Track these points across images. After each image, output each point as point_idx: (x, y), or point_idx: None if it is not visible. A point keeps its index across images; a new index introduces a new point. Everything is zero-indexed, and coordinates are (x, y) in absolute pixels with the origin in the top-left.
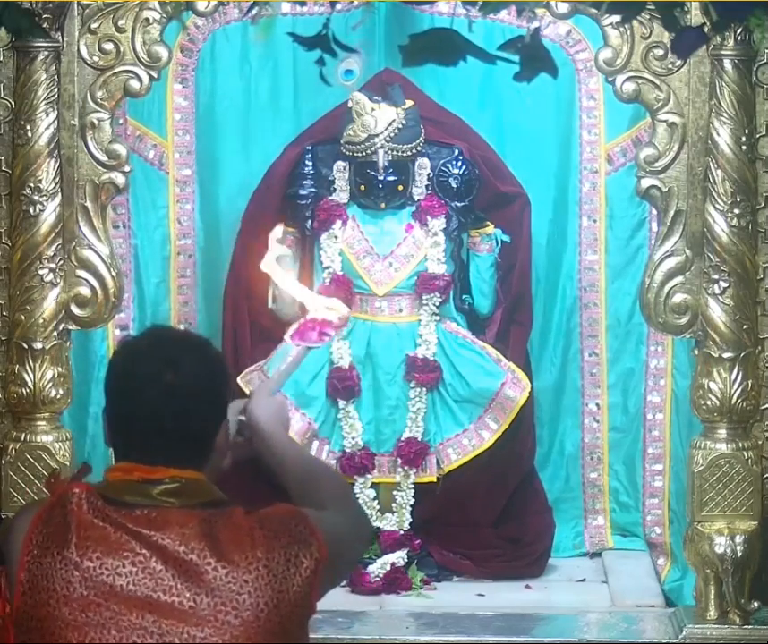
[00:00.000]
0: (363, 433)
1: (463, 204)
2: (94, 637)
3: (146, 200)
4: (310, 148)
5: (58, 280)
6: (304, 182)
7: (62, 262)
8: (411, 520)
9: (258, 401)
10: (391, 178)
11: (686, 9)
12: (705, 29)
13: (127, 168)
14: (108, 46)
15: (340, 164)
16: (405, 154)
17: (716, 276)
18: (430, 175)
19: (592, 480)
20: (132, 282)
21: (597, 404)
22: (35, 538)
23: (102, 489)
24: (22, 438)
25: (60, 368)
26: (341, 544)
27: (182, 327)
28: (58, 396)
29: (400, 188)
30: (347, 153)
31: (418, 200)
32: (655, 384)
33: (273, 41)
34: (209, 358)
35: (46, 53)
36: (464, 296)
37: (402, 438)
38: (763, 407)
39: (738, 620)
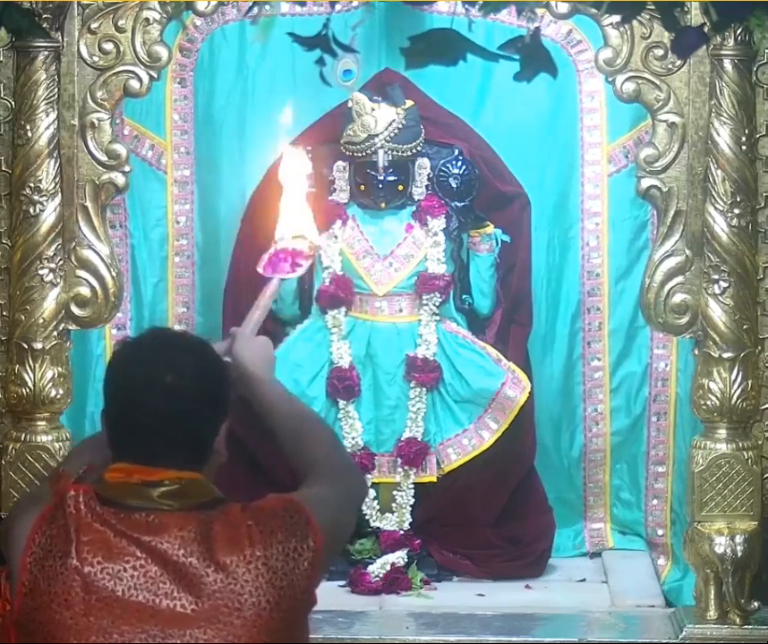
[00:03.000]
0: (363, 433)
1: (463, 204)
2: (95, 640)
3: (144, 200)
4: (310, 148)
5: (58, 280)
6: None
7: (62, 262)
8: (411, 520)
9: (242, 343)
10: (391, 178)
11: (686, 9)
12: (705, 29)
13: (127, 168)
14: (108, 46)
15: (340, 164)
16: (405, 154)
17: (716, 276)
18: (431, 175)
19: (593, 481)
20: (130, 282)
21: (600, 408)
22: (38, 539)
23: (100, 490)
24: (22, 438)
25: (60, 368)
26: (336, 525)
27: (179, 328)
28: (58, 396)
29: (400, 188)
30: (347, 153)
31: (418, 200)
32: (659, 387)
33: (272, 41)
34: (208, 360)
35: (47, 53)
36: (464, 296)
37: (402, 438)
38: (763, 407)
39: (738, 620)
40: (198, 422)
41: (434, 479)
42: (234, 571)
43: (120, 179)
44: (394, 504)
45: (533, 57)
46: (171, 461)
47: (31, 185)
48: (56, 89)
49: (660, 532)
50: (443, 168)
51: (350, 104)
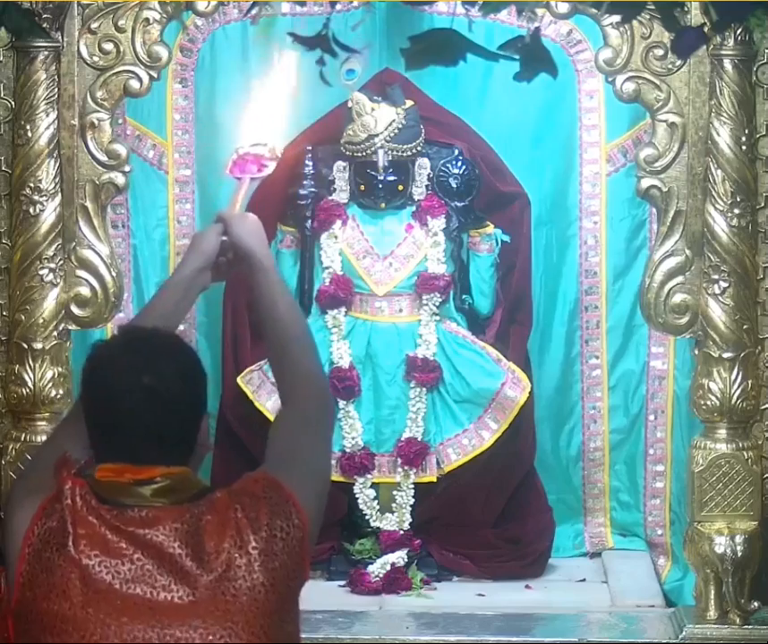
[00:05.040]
0: (363, 433)
1: (463, 204)
2: (94, 632)
3: (145, 200)
4: (310, 148)
5: (58, 280)
6: (304, 182)
7: (62, 262)
8: (411, 520)
9: (237, 220)
10: (391, 178)
11: (686, 9)
12: (705, 29)
13: (127, 168)
14: (108, 46)
15: (340, 164)
16: (405, 154)
17: (716, 276)
18: (431, 175)
19: (592, 481)
20: (131, 282)
21: (598, 405)
22: (37, 530)
23: (94, 487)
24: (22, 438)
25: (60, 368)
26: (317, 492)
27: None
28: (58, 396)
29: (400, 188)
30: (347, 153)
31: (418, 200)
32: (657, 385)
33: (273, 41)
34: (183, 356)
35: (46, 53)
36: (464, 296)
37: (402, 438)
38: (763, 407)
39: (738, 620)
40: (180, 420)
41: (434, 479)
42: (226, 560)
43: (120, 179)
44: (394, 504)
45: (533, 57)
46: (159, 460)
47: (31, 185)
48: (56, 89)
49: (659, 532)
50: (443, 168)
51: (350, 104)
